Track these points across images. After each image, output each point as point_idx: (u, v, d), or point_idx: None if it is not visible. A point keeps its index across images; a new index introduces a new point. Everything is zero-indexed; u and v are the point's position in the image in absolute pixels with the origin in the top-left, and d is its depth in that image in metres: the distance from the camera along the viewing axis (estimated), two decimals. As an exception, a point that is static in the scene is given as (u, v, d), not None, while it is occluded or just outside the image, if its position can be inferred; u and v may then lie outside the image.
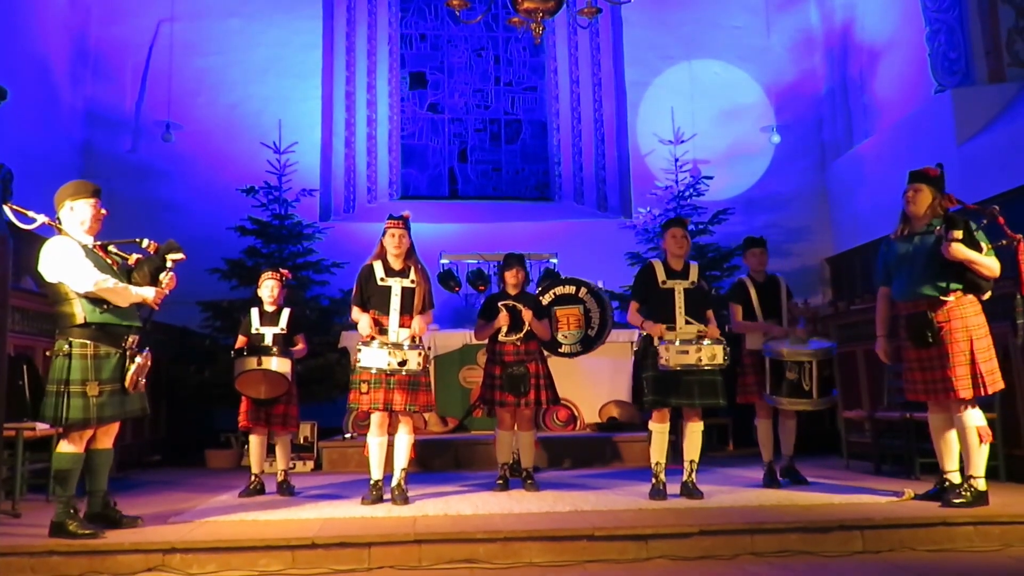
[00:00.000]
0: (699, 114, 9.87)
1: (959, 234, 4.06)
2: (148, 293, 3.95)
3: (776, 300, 5.33)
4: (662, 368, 4.54)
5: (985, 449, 4.11)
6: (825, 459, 6.59)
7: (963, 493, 4.07)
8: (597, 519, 4.00)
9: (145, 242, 4.05)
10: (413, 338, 4.61)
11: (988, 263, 4.10)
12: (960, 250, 4.06)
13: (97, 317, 3.78)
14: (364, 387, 4.57)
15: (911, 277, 4.26)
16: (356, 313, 4.73)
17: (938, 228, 4.16)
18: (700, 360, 4.53)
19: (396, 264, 4.75)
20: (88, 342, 3.78)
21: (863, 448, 6.24)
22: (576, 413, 7.34)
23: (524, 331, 5.14)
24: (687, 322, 4.66)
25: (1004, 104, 7.64)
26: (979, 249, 4.10)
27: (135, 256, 4.07)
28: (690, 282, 4.75)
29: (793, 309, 5.33)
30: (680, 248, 4.81)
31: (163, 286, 4.00)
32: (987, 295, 4.19)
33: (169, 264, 4.04)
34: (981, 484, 4.08)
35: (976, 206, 4.32)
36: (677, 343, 4.56)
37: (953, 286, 4.12)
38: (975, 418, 4.11)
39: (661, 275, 4.77)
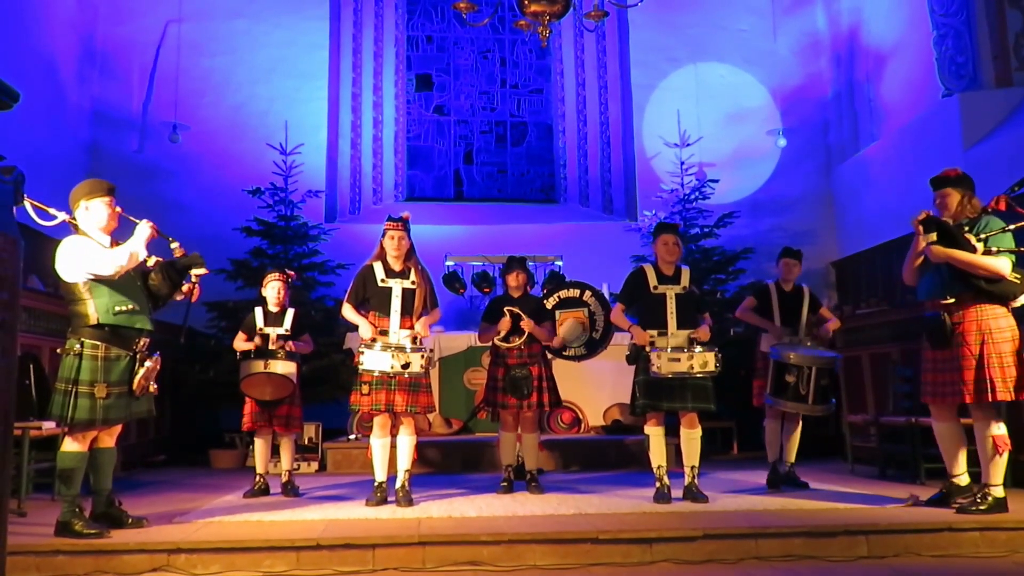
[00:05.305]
0: (705, 117, 9.85)
1: (933, 237, 4.07)
2: (138, 247, 3.85)
3: (797, 310, 5.32)
4: (653, 374, 4.54)
5: (1003, 459, 4.05)
6: (830, 463, 6.58)
7: (980, 501, 4.01)
8: (601, 522, 4.00)
9: (175, 244, 4.03)
10: (415, 339, 4.62)
11: (984, 262, 3.99)
12: (941, 251, 4.06)
13: (110, 319, 3.79)
14: (365, 388, 4.58)
15: (932, 278, 4.24)
16: (349, 311, 4.72)
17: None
18: (692, 368, 4.52)
19: (396, 265, 4.75)
20: (100, 343, 3.79)
21: (868, 453, 6.23)
22: (580, 416, 7.33)
23: (525, 335, 5.14)
24: (679, 327, 4.66)
25: (1011, 108, 7.61)
26: (972, 250, 4.01)
27: (153, 259, 4.04)
28: (681, 287, 4.75)
29: (813, 329, 5.31)
30: (671, 255, 4.79)
31: (184, 293, 4.07)
32: (1018, 302, 4.07)
33: (193, 279, 4.07)
34: (998, 492, 4.03)
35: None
36: (669, 350, 4.55)
37: (959, 289, 4.07)
38: (993, 427, 4.06)
39: (653, 280, 4.76)
